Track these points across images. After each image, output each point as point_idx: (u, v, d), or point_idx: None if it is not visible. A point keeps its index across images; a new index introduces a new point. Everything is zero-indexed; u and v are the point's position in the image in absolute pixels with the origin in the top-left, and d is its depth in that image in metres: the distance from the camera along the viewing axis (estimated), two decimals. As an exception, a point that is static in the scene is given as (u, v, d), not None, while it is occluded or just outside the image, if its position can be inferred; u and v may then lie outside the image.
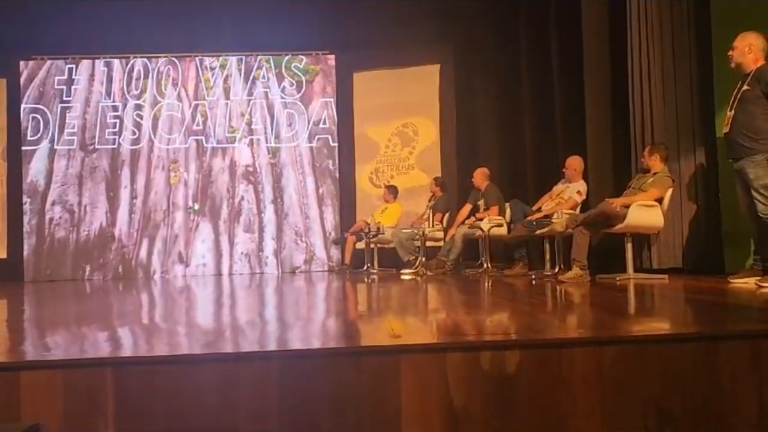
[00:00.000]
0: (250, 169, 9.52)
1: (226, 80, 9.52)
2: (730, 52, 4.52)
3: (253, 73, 9.54)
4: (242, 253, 9.44)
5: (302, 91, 9.56)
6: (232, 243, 9.42)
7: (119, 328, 2.96)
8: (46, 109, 9.25)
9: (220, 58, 9.49)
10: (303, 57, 9.54)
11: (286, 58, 9.53)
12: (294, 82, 9.56)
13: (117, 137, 9.34)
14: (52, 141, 9.23)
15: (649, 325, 2.68)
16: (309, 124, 9.55)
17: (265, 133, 9.53)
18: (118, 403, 1.89)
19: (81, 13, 8.67)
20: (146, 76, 9.42)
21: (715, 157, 5.47)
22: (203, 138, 9.46)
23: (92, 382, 1.90)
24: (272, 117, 9.55)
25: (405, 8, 8.79)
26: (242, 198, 9.48)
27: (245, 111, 9.51)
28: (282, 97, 9.55)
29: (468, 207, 7.43)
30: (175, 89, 9.46)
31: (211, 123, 9.47)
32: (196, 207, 9.40)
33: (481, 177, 7.45)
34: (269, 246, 9.46)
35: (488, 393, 1.95)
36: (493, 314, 3.20)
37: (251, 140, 9.52)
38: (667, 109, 5.72)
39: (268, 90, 9.55)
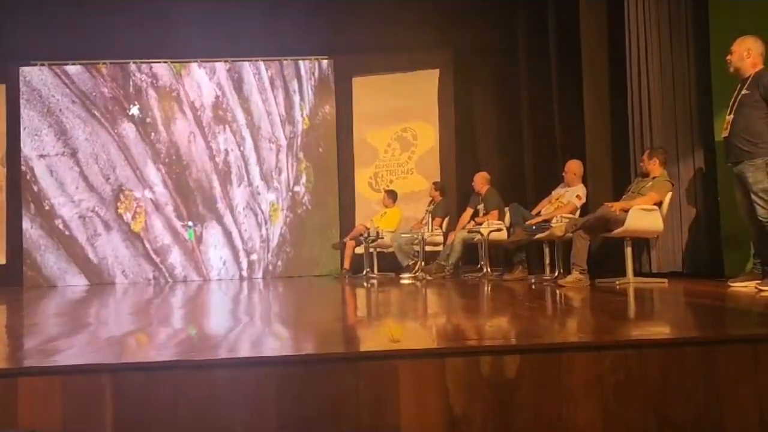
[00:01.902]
0: (254, 173, 9.40)
1: (233, 83, 9.43)
2: (728, 57, 4.52)
3: (254, 77, 9.47)
4: (250, 261, 9.30)
5: (303, 95, 9.51)
6: (245, 254, 9.32)
7: (117, 333, 2.96)
8: (45, 116, 9.22)
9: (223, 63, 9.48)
10: (302, 62, 9.53)
11: (285, 63, 9.51)
12: (294, 86, 9.50)
13: (116, 140, 9.30)
14: (51, 148, 9.19)
15: (649, 329, 2.67)
16: (309, 127, 9.50)
17: (272, 136, 9.42)
18: (116, 409, 1.88)
19: (81, 19, 8.69)
20: (144, 83, 9.37)
21: (714, 161, 5.46)
22: (203, 143, 9.39)
23: (90, 388, 1.89)
24: (276, 121, 9.45)
25: (404, 13, 8.82)
26: (247, 204, 9.35)
27: (247, 115, 9.42)
28: (285, 101, 9.48)
29: (469, 211, 7.43)
30: (174, 95, 9.41)
31: (211, 129, 9.41)
32: (190, 224, 9.24)
33: (481, 181, 7.45)
34: (280, 254, 9.31)
35: (488, 398, 1.95)
36: (493, 319, 3.19)
37: (254, 144, 9.41)
38: (666, 112, 5.73)
39: (270, 94, 9.47)
